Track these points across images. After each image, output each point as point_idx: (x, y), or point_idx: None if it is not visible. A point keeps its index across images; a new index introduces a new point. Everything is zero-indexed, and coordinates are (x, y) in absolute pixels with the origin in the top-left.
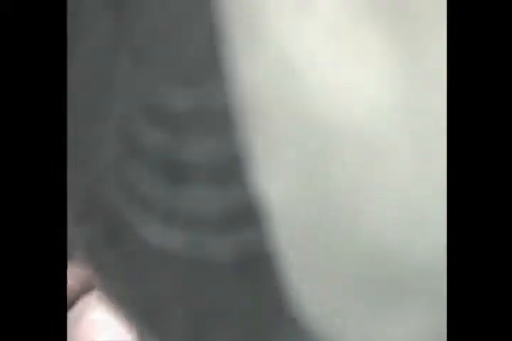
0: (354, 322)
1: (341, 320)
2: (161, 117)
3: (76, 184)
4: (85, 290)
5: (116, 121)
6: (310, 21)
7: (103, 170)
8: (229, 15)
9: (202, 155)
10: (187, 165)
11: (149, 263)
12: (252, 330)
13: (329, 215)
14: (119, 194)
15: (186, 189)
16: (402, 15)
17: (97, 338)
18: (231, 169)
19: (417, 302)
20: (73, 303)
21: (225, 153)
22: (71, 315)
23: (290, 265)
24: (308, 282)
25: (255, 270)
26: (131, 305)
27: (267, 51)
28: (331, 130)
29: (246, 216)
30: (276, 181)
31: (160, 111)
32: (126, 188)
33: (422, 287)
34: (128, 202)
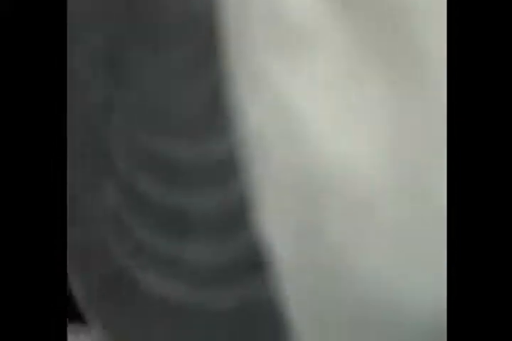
0: None
1: None
2: (161, 169)
3: (76, 238)
4: None
5: (116, 173)
6: (309, 67)
7: (103, 223)
8: (229, 68)
9: (204, 205)
10: (189, 215)
11: (151, 312)
12: None
13: (328, 264)
14: (119, 245)
15: (188, 239)
16: (399, 62)
17: None
18: (233, 219)
19: None
20: None
21: (227, 203)
22: None
23: (292, 310)
24: (309, 326)
25: (257, 317)
26: None
27: (266, 99)
28: (329, 177)
29: (248, 265)
30: (279, 230)
31: (160, 162)
32: (127, 239)
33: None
34: (129, 253)
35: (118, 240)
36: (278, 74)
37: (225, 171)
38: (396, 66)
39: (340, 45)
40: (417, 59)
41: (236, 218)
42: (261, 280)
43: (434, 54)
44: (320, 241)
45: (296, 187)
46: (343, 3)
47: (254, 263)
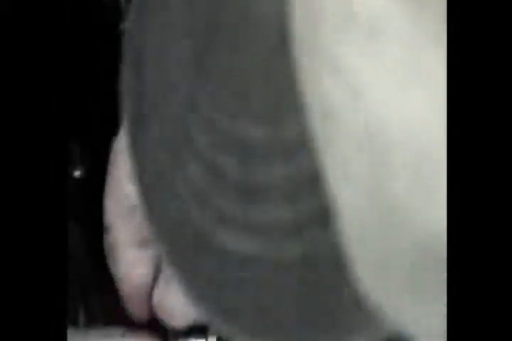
0: (410, 305)
1: (399, 304)
2: (238, 148)
3: (167, 206)
4: None
5: (198, 154)
6: (376, 51)
7: (187, 194)
8: (300, 49)
9: (276, 176)
10: (261, 185)
11: (231, 265)
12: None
13: (393, 216)
14: (201, 212)
15: (260, 205)
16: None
17: None
18: (301, 187)
19: None
20: None
21: (297, 174)
22: None
23: (355, 259)
24: (370, 273)
25: (321, 266)
26: (215, 302)
27: (337, 81)
28: (392, 138)
29: (314, 221)
30: (345, 189)
31: (237, 143)
32: (208, 207)
33: None
34: (209, 218)
35: (200, 208)
36: (348, 58)
37: (297, 149)
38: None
39: (403, 32)
40: None
41: (304, 186)
42: (325, 234)
43: None
44: (385, 197)
45: (362, 150)
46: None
47: (319, 220)
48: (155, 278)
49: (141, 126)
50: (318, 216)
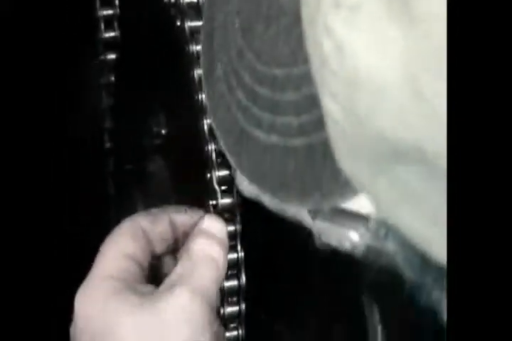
0: (367, 176)
1: (361, 177)
2: (270, 82)
3: (220, 115)
4: None
5: (243, 85)
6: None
7: (237, 108)
8: None
9: (289, 98)
10: (281, 103)
11: (262, 151)
12: None
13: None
14: (247, 119)
15: (280, 115)
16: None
17: None
18: (306, 104)
19: None
20: None
21: (304, 97)
22: None
23: (337, 149)
24: (346, 158)
25: (319, 152)
26: (252, 173)
27: (329, 40)
28: (363, 78)
29: (315, 125)
30: (330, 105)
31: (269, 79)
32: (251, 115)
33: None
34: (249, 121)
35: (244, 116)
36: (336, 25)
37: (304, 82)
38: (414, 23)
39: (377, 9)
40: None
41: (307, 104)
42: (320, 134)
43: None
44: (355, 110)
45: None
46: None
47: (316, 125)
48: None
49: (210, 69)
50: (316, 123)
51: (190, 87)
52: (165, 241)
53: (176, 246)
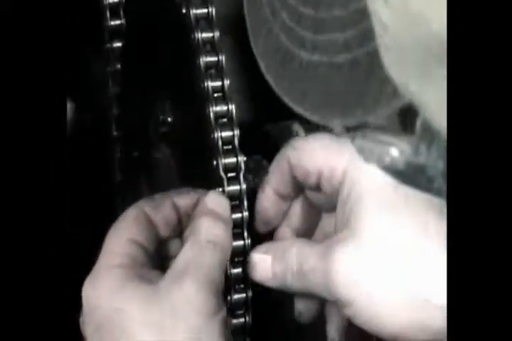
0: (418, 85)
1: (411, 85)
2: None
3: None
4: None
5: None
6: None
7: (279, 29)
8: None
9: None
10: (326, 22)
11: (304, 70)
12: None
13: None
14: (291, 40)
15: (325, 33)
16: None
17: None
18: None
19: None
20: None
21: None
22: None
23: (386, 59)
24: (395, 65)
25: (363, 66)
26: (293, 93)
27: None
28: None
29: (361, 40)
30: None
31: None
32: (295, 36)
33: None
34: (295, 44)
35: (288, 37)
36: None
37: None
38: None
39: None
40: None
41: (352, 19)
42: (366, 48)
43: None
44: (410, 12)
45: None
46: None
47: (362, 41)
48: None
49: (256, 14)
50: (361, 38)
51: (196, 75)
52: (170, 225)
53: (182, 228)
